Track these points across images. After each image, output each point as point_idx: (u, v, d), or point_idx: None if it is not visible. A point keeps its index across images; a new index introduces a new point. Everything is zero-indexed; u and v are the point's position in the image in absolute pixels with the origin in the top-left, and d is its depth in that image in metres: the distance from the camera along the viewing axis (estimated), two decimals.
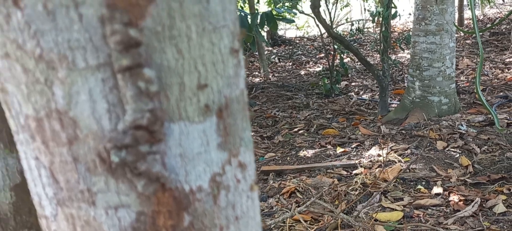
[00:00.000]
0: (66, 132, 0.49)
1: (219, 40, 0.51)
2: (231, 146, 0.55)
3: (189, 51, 0.49)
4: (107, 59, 0.46)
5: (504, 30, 7.42)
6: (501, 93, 5.11)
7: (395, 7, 5.13)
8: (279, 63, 8.36)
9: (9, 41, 0.46)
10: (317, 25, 5.73)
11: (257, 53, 7.61)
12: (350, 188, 3.53)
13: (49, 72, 0.47)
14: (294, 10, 5.70)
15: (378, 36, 6.84)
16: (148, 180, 0.49)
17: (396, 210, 3.26)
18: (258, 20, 4.63)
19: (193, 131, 0.51)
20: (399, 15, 6.66)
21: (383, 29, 4.91)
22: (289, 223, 3.10)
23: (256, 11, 5.99)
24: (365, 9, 10.74)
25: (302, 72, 7.46)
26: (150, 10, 0.46)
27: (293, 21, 5.93)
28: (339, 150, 4.28)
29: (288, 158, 4.23)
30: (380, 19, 5.02)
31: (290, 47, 9.26)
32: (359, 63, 6.84)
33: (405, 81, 5.85)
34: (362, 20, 8.89)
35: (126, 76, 0.46)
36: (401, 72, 6.54)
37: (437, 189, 3.41)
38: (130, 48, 0.45)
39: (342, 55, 6.28)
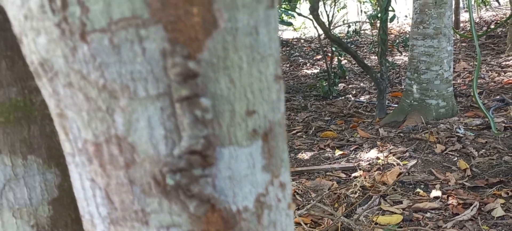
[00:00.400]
0: (124, 156, 0.52)
1: (265, 68, 0.54)
2: (274, 167, 0.58)
3: (240, 80, 0.52)
4: (167, 89, 0.49)
5: (500, 33, 7.49)
6: (498, 97, 5.16)
7: (393, 10, 5.17)
8: None
9: (73, 71, 0.49)
10: (315, 27, 5.76)
11: None
12: (350, 191, 3.57)
13: (111, 101, 0.50)
14: (292, 13, 5.73)
15: (375, 38, 6.87)
16: (199, 202, 0.52)
17: (395, 213, 3.30)
18: None
19: (241, 154, 0.54)
20: (397, 18, 6.70)
21: (381, 32, 4.95)
22: None
23: None
24: (361, 10, 10.79)
25: (300, 74, 7.50)
26: (207, 43, 0.49)
27: (291, 24, 5.96)
28: (338, 152, 4.32)
29: None
30: (378, 22, 5.05)
31: (287, 48, 9.30)
32: (356, 65, 6.88)
33: (403, 84, 5.89)
34: (359, 22, 8.95)
35: (184, 105, 0.49)
36: (398, 74, 6.58)
37: (436, 193, 3.46)
38: (189, 79, 0.48)
39: (340, 57, 6.32)
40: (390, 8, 5.01)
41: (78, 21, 0.47)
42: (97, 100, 0.50)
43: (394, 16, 5.29)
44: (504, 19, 8.10)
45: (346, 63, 7.41)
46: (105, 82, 0.49)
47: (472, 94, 5.19)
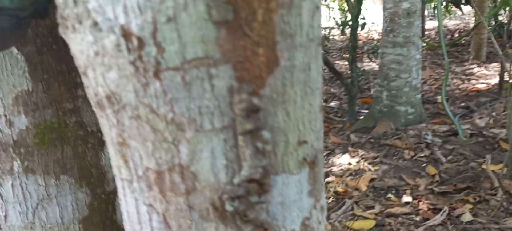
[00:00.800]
0: (185, 183, 0.55)
1: (314, 100, 0.58)
2: (317, 192, 0.62)
3: (294, 113, 0.55)
4: (231, 122, 0.52)
5: (463, 41, 7.72)
6: (463, 104, 5.33)
7: (364, 18, 5.28)
8: None
9: (143, 105, 0.52)
10: None
11: None
12: None
13: (177, 133, 0.53)
14: None
15: (344, 44, 6.98)
16: (254, 226, 0.56)
17: (368, 218, 3.38)
18: None
19: (292, 181, 0.58)
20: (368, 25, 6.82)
21: (352, 39, 5.05)
22: None
23: None
24: (330, 16, 10.93)
25: None
26: (269, 80, 0.52)
27: None
28: None
29: None
30: (348, 29, 5.15)
31: None
32: (326, 70, 6.97)
33: (372, 90, 6.02)
34: (328, 28, 9.08)
35: (247, 138, 0.53)
36: (367, 81, 6.71)
37: (406, 198, 3.55)
38: (252, 114, 0.52)
39: None
40: (361, 16, 5.11)
41: (153, 60, 0.50)
42: (164, 132, 0.53)
43: (364, 24, 5.40)
44: (469, 28, 8.34)
45: None
46: (173, 116, 0.52)
47: (438, 101, 5.34)
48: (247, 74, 0.51)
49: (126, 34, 0.49)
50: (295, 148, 0.57)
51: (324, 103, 6.06)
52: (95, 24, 0.50)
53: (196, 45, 0.49)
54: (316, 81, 0.58)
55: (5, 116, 0.73)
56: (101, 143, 0.80)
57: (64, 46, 0.73)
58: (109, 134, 0.57)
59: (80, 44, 0.53)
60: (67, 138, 0.77)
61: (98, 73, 0.53)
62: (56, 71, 0.73)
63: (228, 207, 0.55)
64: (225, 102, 0.52)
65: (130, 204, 0.60)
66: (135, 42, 0.49)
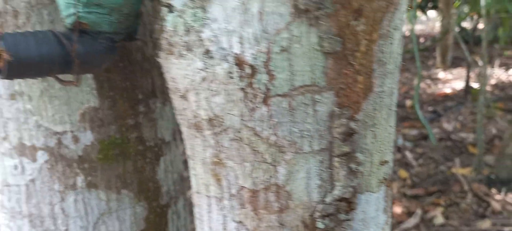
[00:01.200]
0: (279, 202, 0.58)
1: (393, 122, 0.62)
2: (389, 208, 0.66)
3: (380, 135, 0.59)
4: (328, 145, 0.56)
5: (429, 46, 7.92)
6: (431, 108, 5.48)
7: None
8: None
9: (246, 128, 0.55)
10: None
11: None
12: None
13: (277, 155, 0.56)
14: None
15: None
16: None
17: None
18: None
19: (372, 199, 0.62)
20: None
21: None
22: None
23: None
24: None
25: None
26: (363, 105, 0.56)
27: None
28: None
29: None
30: None
31: None
32: None
33: None
34: None
35: (343, 160, 0.56)
36: None
37: None
38: (348, 137, 0.56)
39: None
40: None
41: (263, 87, 0.53)
42: (264, 154, 0.56)
43: None
44: (434, 33, 8.57)
45: None
46: (276, 139, 0.55)
47: (407, 105, 5.47)
48: (347, 100, 0.55)
49: (239, 62, 0.52)
50: (378, 168, 0.61)
51: None
52: (207, 52, 0.53)
53: (304, 73, 0.52)
54: (394, 103, 0.62)
55: (72, 132, 0.74)
56: (157, 157, 0.82)
57: (129, 64, 0.75)
58: (202, 154, 0.60)
59: (184, 70, 0.56)
60: (129, 153, 0.78)
61: (202, 97, 0.56)
62: (121, 88, 0.75)
63: (319, 225, 0.58)
64: (324, 126, 0.55)
65: (216, 220, 0.62)
66: (247, 70, 0.52)
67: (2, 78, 0.57)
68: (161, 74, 0.82)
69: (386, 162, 0.62)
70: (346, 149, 0.56)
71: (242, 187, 0.59)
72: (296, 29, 0.51)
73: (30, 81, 0.71)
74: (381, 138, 0.60)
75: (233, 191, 0.59)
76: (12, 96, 0.73)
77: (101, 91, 0.74)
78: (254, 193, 0.58)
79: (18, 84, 0.72)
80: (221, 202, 0.61)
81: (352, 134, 0.56)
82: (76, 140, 0.74)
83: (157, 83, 0.81)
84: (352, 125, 0.56)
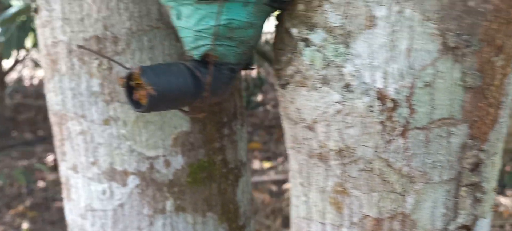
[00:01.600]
0: (403, 230, 0.59)
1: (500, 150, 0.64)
2: None
3: (497, 163, 0.61)
4: (456, 175, 0.57)
5: None
6: None
7: None
8: None
9: (379, 159, 0.56)
10: None
11: None
12: (283, 203, 3.69)
13: (407, 185, 0.57)
14: None
15: None
16: None
17: None
18: None
19: (484, 224, 0.63)
20: None
21: None
22: None
23: None
24: None
25: None
26: (490, 136, 0.58)
27: None
28: (266, 165, 4.41)
29: None
30: None
31: None
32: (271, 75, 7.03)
33: None
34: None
35: (470, 189, 0.58)
36: None
37: None
38: (476, 167, 0.57)
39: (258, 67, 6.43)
40: None
41: (403, 120, 0.54)
42: (394, 184, 0.57)
43: None
44: None
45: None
46: (409, 170, 0.56)
47: None
48: (477, 132, 0.56)
49: (381, 96, 0.53)
50: (491, 195, 0.62)
51: (273, 109, 6.12)
52: (347, 86, 0.54)
53: (444, 107, 0.54)
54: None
55: (164, 156, 0.74)
56: (237, 179, 0.82)
57: None
58: (322, 182, 0.60)
59: (316, 102, 0.56)
60: (214, 176, 0.78)
61: (333, 129, 0.56)
62: (210, 112, 0.75)
63: None
64: (454, 157, 0.56)
65: None
66: (389, 104, 0.53)
67: (141, 112, 0.56)
68: (241, 97, 0.82)
69: (496, 188, 0.63)
70: (474, 179, 0.57)
71: (366, 216, 0.59)
72: (441, 65, 0.52)
73: (126, 106, 0.71)
74: (497, 166, 0.61)
75: (355, 220, 0.60)
76: (106, 122, 0.72)
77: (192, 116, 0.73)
78: (378, 221, 0.59)
79: (114, 109, 0.71)
80: (339, 229, 0.62)
81: (480, 164, 0.57)
82: (167, 164, 0.74)
83: (238, 105, 0.81)
84: (481, 155, 0.57)
